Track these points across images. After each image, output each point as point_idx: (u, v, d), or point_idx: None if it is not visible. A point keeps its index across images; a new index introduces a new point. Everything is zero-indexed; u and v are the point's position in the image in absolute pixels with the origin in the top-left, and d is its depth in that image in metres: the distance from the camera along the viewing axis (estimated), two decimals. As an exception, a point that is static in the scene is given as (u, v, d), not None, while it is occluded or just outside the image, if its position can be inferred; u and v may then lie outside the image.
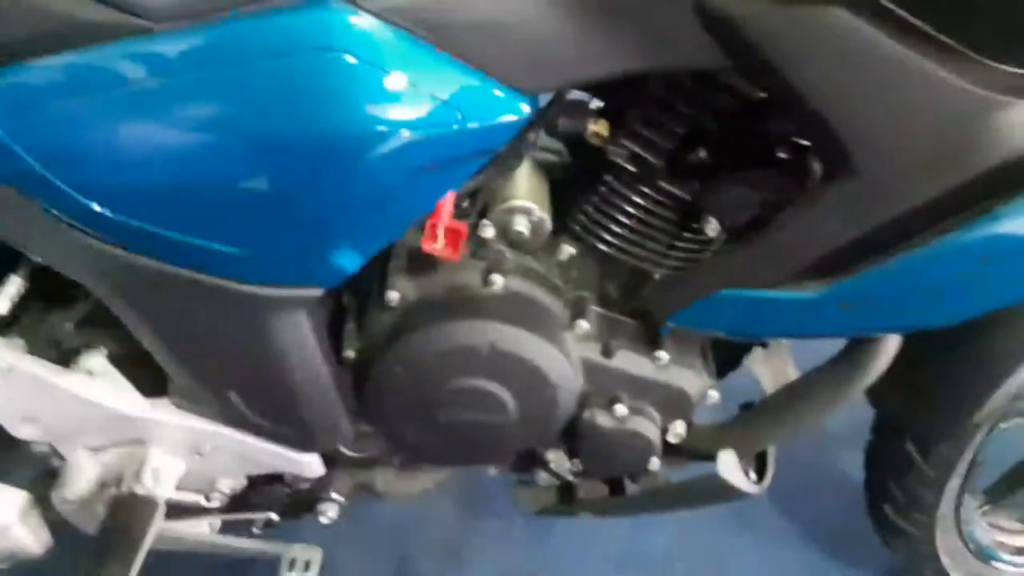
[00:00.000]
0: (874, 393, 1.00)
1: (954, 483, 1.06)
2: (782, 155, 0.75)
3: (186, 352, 0.77)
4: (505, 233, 0.82)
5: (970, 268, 0.68)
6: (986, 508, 1.19)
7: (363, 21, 0.59)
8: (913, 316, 0.74)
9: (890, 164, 0.63)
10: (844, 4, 0.57)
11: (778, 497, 1.40)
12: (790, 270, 0.71)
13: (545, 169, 0.89)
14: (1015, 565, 1.20)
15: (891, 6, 0.57)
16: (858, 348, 0.85)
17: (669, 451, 0.93)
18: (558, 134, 0.81)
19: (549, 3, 0.59)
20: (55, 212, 0.64)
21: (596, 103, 0.82)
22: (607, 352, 0.84)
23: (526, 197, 0.82)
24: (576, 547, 1.31)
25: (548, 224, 0.83)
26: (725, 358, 0.97)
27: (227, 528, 0.97)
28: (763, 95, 0.71)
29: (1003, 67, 0.59)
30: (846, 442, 1.27)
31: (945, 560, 1.14)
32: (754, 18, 0.58)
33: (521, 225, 0.82)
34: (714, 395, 0.89)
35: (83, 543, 0.86)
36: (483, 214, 0.82)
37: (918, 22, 0.58)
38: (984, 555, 1.17)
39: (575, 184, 0.85)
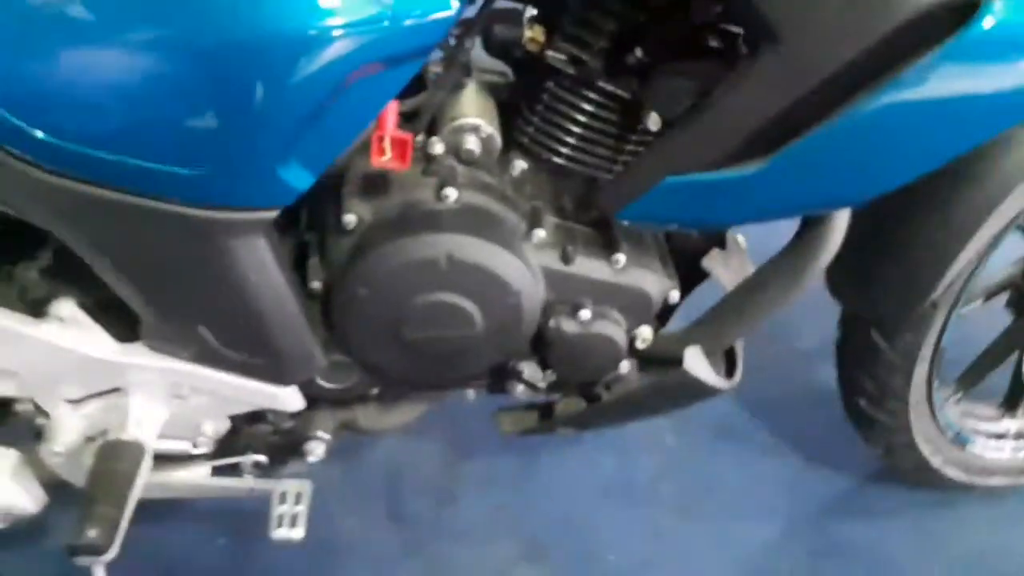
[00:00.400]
0: (834, 284, 1.04)
1: (922, 369, 1.09)
2: (714, 43, 0.77)
3: (149, 286, 0.79)
4: (456, 152, 0.84)
5: (889, 131, 0.70)
6: (959, 396, 1.22)
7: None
8: (849, 185, 0.77)
9: (806, 29, 0.65)
10: None
11: (757, 413, 1.44)
12: (726, 149, 0.73)
13: (492, 90, 0.91)
14: (992, 448, 1.23)
15: None
16: (808, 232, 0.87)
17: (641, 358, 0.96)
18: (498, 44, 0.83)
19: None
20: (3, 146, 0.66)
21: (531, 12, 0.84)
22: (566, 259, 0.86)
23: (474, 114, 0.84)
24: (564, 480, 1.33)
25: (498, 140, 0.85)
26: (686, 267, 0.99)
27: (218, 474, 0.99)
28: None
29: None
30: (822, 356, 1.29)
31: (923, 447, 1.17)
32: None
33: (471, 143, 0.83)
34: (675, 295, 0.91)
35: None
36: (433, 133, 0.84)
37: None
38: (961, 440, 1.20)
39: (524, 98, 0.87)
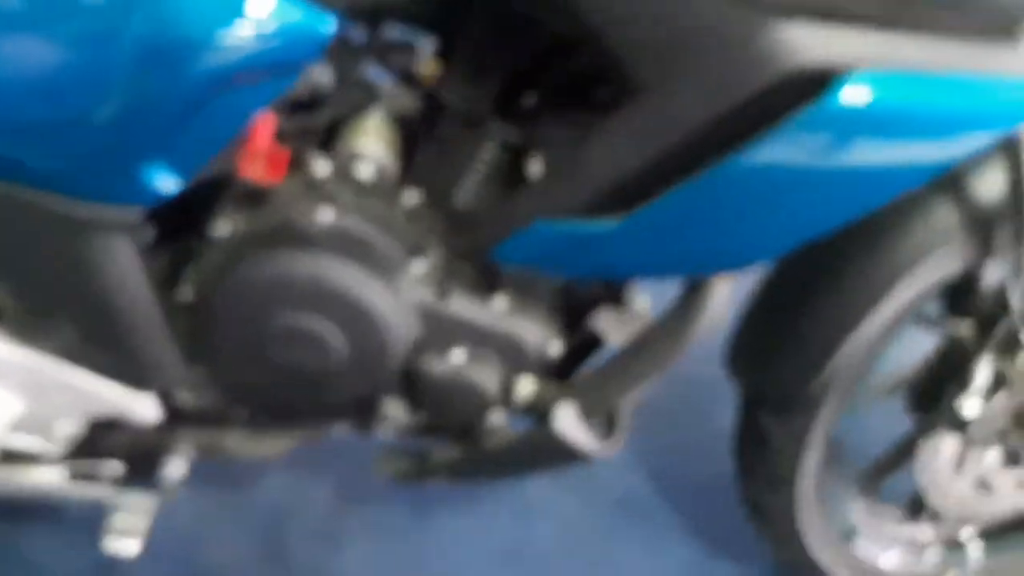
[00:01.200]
0: (729, 360, 1.03)
1: (811, 457, 1.06)
2: (599, 93, 0.78)
3: (10, 275, 0.78)
4: (347, 176, 0.84)
5: (746, 194, 0.70)
6: (859, 495, 1.19)
7: (159, -72, 0.62)
8: (708, 251, 0.77)
9: (666, 85, 0.66)
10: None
11: (667, 491, 1.40)
12: (593, 197, 0.73)
13: (401, 119, 0.91)
14: (884, 553, 1.20)
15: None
16: (687, 297, 0.86)
17: (523, 410, 0.94)
18: (393, 71, 0.84)
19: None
20: None
21: (431, 45, 0.85)
22: (442, 295, 0.85)
23: (372, 143, 0.85)
24: (457, 538, 1.29)
25: (392, 170, 0.85)
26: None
27: (75, 479, 0.96)
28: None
29: (762, -13, 0.62)
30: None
31: (810, 542, 1.14)
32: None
33: (363, 172, 0.84)
34: (555, 347, 0.90)
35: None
36: (326, 152, 0.84)
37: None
38: (850, 539, 1.17)
39: (421, 131, 0.87)
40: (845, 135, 0.67)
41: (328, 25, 0.67)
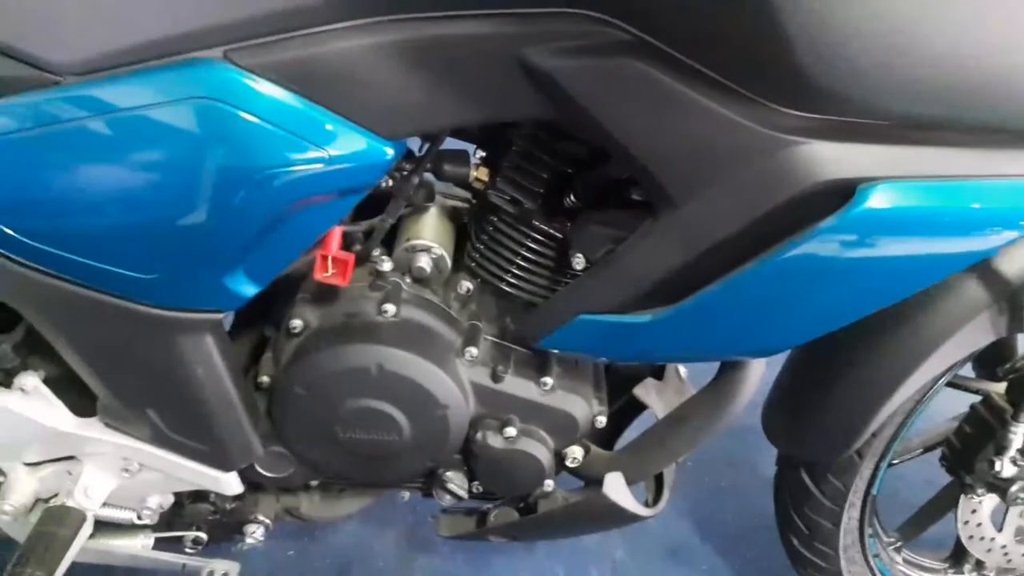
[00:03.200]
0: (767, 425, 1.07)
1: (852, 514, 1.10)
2: (635, 195, 0.84)
3: (106, 371, 0.86)
4: (409, 269, 0.92)
5: (779, 292, 0.75)
6: (900, 544, 1.22)
7: (241, 77, 0.69)
8: (745, 339, 0.82)
9: (699, 198, 0.71)
10: (644, 58, 0.67)
11: (710, 537, 1.45)
12: (632, 295, 0.79)
13: (453, 214, 0.99)
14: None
15: (684, 58, 0.67)
16: (723, 376, 0.92)
17: (576, 476, 1.00)
18: (448, 180, 0.91)
19: (397, 62, 0.69)
20: (-20, 240, 0.75)
21: (480, 153, 0.92)
22: (496, 377, 0.92)
23: (429, 237, 0.92)
24: (513, 586, 1.36)
25: (448, 261, 0.92)
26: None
27: (160, 546, 1.05)
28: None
29: (783, 109, 0.67)
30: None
31: (854, 592, 1.18)
32: (568, 71, 0.68)
33: (423, 262, 0.91)
34: (601, 420, 0.96)
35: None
36: (389, 251, 0.92)
37: (708, 71, 0.66)
38: (895, 590, 1.21)
39: (474, 226, 0.94)
40: (871, 238, 0.71)
41: (387, 154, 0.73)
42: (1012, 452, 0.99)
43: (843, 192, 0.70)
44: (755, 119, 0.68)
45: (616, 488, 0.96)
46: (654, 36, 0.67)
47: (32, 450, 0.93)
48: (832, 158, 0.69)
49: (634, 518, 0.99)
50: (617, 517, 0.99)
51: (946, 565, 1.25)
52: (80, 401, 0.91)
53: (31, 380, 0.88)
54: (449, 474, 0.97)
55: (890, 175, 0.69)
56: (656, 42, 0.67)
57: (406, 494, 1.06)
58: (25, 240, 0.75)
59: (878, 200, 0.69)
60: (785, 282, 0.75)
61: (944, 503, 1.18)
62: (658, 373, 1.06)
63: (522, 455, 0.93)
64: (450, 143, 0.88)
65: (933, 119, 0.69)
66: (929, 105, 0.67)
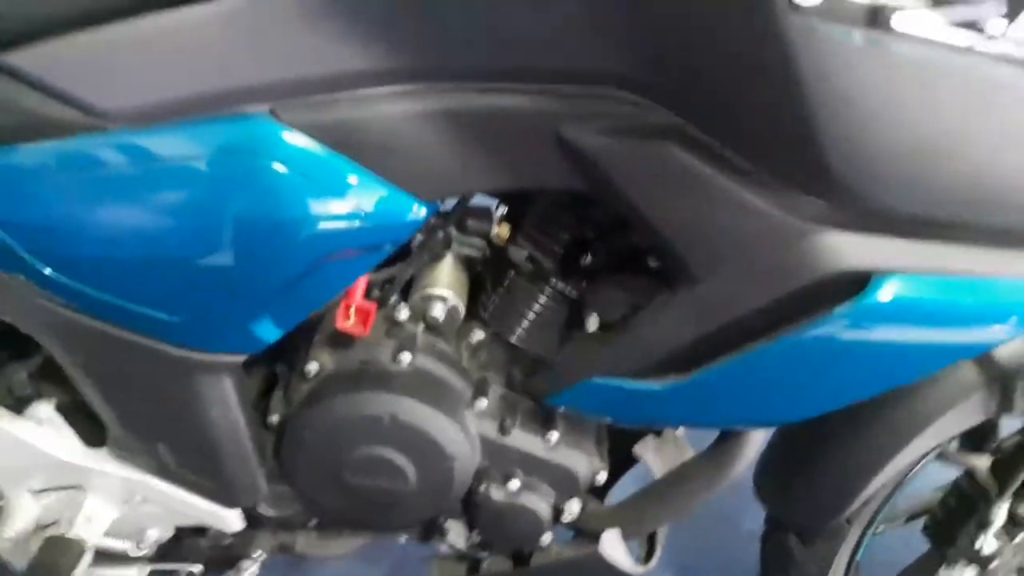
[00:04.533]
0: (758, 487, 1.10)
1: (835, 578, 1.13)
2: (652, 263, 0.87)
3: (121, 405, 0.87)
4: (423, 317, 0.93)
5: (790, 372, 0.78)
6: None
7: (286, 134, 0.71)
8: (753, 412, 0.85)
9: (719, 277, 0.74)
10: (676, 141, 0.70)
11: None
12: (644, 363, 0.82)
13: (467, 263, 1.01)
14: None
15: (714, 143, 0.70)
16: (725, 440, 0.95)
17: (568, 528, 1.02)
18: (470, 234, 0.93)
19: (439, 129, 0.71)
20: (14, 273, 0.76)
21: (502, 208, 0.95)
22: (503, 430, 0.93)
23: (444, 286, 0.94)
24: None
25: (461, 311, 0.94)
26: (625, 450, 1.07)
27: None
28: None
29: (808, 198, 0.70)
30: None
31: (835, 654, 1.20)
32: (603, 150, 0.71)
33: (437, 310, 0.93)
34: (602, 476, 0.98)
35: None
36: (404, 298, 0.94)
37: (736, 157, 0.70)
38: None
39: (490, 277, 0.97)
40: (882, 326, 0.74)
41: (421, 214, 0.76)
42: (994, 528, 1.03)
43: (858, 280, 0.73)
44: (780, 206, 0.71)
45: (613, 546, 0.98)
46: (688, 119, 0.70)
47: (39, 477, 0.94)
48: (850, 248, 0.72)
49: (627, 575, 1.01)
50: (610, 574, 1.01)
51: (923, 631, 1.27)
52: (90, 431, 0.92)
53: (46, 410, 0.89)
54: (449, 523, 0.99)
55: (904, 267, 0.72)
56: (690, 126, 0.70)
57: (403, 537, 1.07)
58: (59, 276, 0.76)
59: (891, 291, 0.72)
60: (796, 362, 0.77)
61: (925, 569, 1.20)
62: (657, 431, 1.08)
63: (523, 509, 0.95)
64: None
65: (948, 219, 0.73)
66: (946, 207, 0.71)
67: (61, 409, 0.91)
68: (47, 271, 0.75)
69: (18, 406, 0.90)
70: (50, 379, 0.90)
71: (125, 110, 0.70)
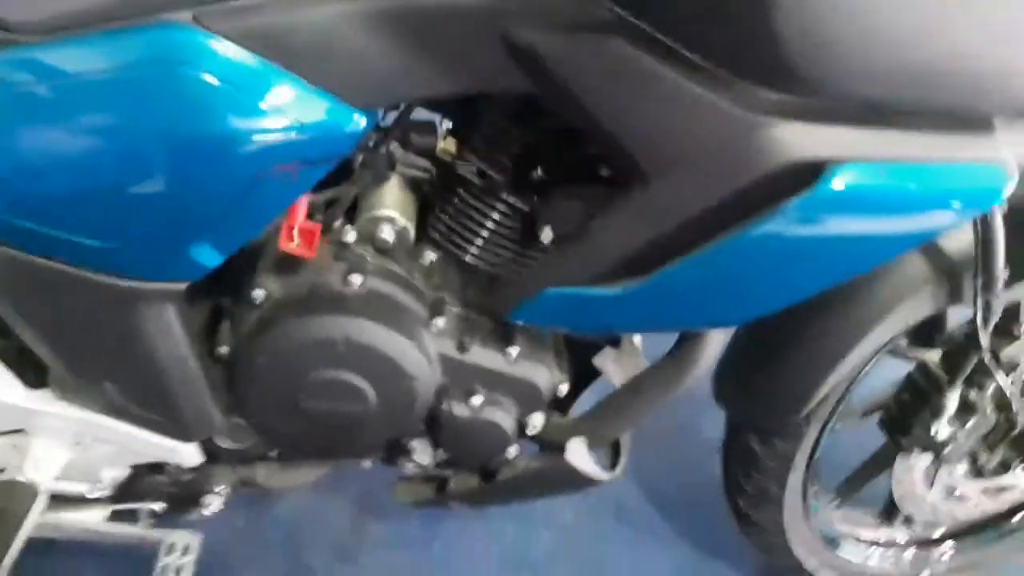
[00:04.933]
0: (718, 390, 1.11)
1: (796, 476, 1.16)
2: (604, 171, 0.85)
3: (60, 343, 0.84)
4: (371, 239, 0.90)
5: (746, 267, 0.77)
6: (837, 503, 1.29)
7: (209, 41, 0.66)
8: (711, 312, 0.84)
9: (672, 175, 0.73)
10: (624, 37, 0.67)
11: (656, 500, 1.50)
12: (601, 269, 0.80)
13: (414, 184, 0.98)
14: (863, 555, 1.30)
15: (663, 38, 0.67)
16: (684, 344, 0.94)
17: (535, 442, 1.02)
18: (415, 150, 0.90)
19: (374, 31, 0.68)
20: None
21: (447, 123, 0.91)
22: (462, 347, 0.92)
23: (392, 207, 0.91)
24: (464, 548, 1.38)
25: (411, 232, 0.92)
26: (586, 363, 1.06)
27: (116, 518, 1.03)
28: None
29: (757, 89, 0.68)
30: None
31: (797, 549, 1.24)
32: (550, 47, 0.68)
33: (386, 232, 0.90)
34: (563, 388, 0.97)
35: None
36: (351, 221, 0.91)
37: (686, 51, 0.67)
38: (834, 544, 1.27)
39: (438, 197, 0.94)
40: (835, 216, 0.74)
41: (359, 124, 0.72)
42: (947, 416, 1.05)
43: (811, 171, 0.72)
44: (729, 99, 0.69)
45: (578, 454, 0.99)
46: (639, 17, 0.67)
47: (-21, 424, 0.90)
48: (801, 138, 0.71)
49: (594, 482, 1.01)
50: (578, 482, 1.01)
51: (878, 521, 1.32)
52: (29, 372, 0.88)
53: (-21, 352, 0.85)
54: (414, 443, 0.98)
55: (856, 156, 0.72)
56: (637, 21, 0.67)
57: (367, 463, 1.06)
58: (-21, 209, 0.72)
59: (844, 179, 0.71)
60: (752, 257, 0.77)
61: (879, 464, 1.24)
62: (615, 342, 1.08)
63: (487, 424, 0.94)
64: (416, 113, 0.87)
65: (897, 103, 0.72)
66: (895, 89, 0.70)
67: (-3, 352, 0.87)
68: (-35, 202, 0.71)
69: (-52, 352, 0.86)
70: (-18, 320, 0.86)
71: (35, 21, 0.65)
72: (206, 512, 1.03)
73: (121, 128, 0.69)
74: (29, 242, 0.75)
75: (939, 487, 1.18)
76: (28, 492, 0.88)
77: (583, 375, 1.10)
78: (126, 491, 1.00)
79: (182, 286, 0.80)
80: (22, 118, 0.68)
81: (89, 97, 0.68)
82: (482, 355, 0.93)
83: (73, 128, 0.69)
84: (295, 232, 0.81)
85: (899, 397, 1.11)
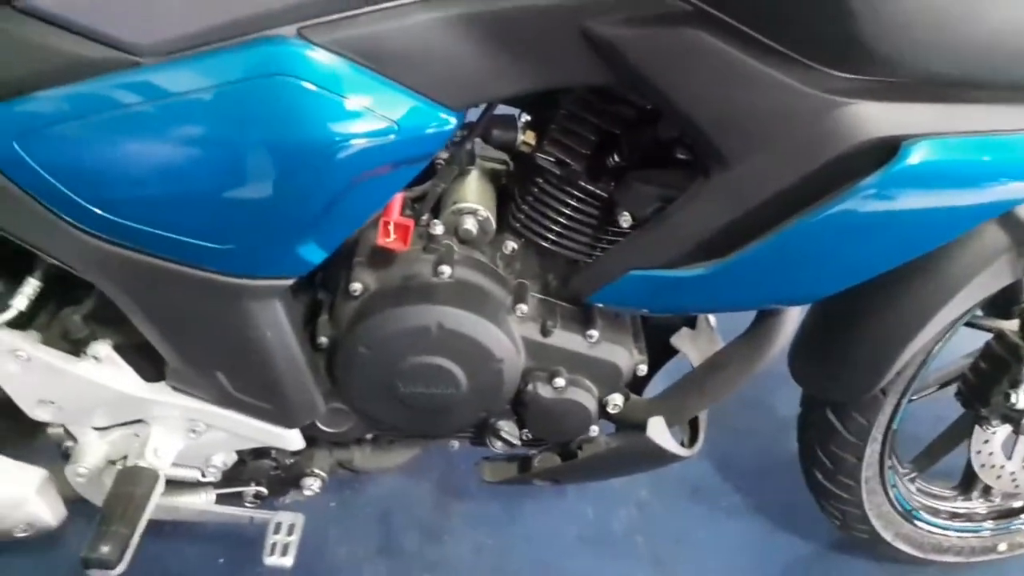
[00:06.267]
0: (794, 368, 1.13)
1: (873, 448, 1.17)
2: (680, 155, 0.88)
3: (177, 337, 0.90)
4: (456, 231, 0.95)
5: (826, 244, 0.80)
6: (914, 475, 1.30)
7: (314, 53, 0.71)
8: (790, 288, 0.87)
9: (751, 158, 0.76)
10: (702, 27, 0.70)
11: (730, 476, 1.53)
12: (683, 251, 0.84)
13: (492, 176, 1.02)
14: (941, 527, 1.31)
15: (741, 26, 0.70)
16: (762, 322, 0.97)
17: (614, 421, 1.06)
18: (496, 144, 0.94)
19: (463, 35, 0.72)
20: (65, 217, 0.78)
21: (525, 117, 0.95)
22: (545, 331, 0.96)
23: (474, 200, 0.96)
24: (545, 526, 1.43)
25: (493, 222, 0.96)
26: (661, 343, 1.10)
27: (221, 501, 1.10)
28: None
29: (833, 72, 0.71)
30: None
31: (875, 521, 1.26)
32: (630, 40, 0.71)
33: (469, 224, 0.95)
34: (643, 368, 1.01)
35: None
36: (436, 214, 0.96)
37: (763, 38, 0.70)
38: (911, 516, 1.28)
39: (518, 187, 0.98)
40: (912, 192, 0.76)
41: (451, 123, 0.77)
42: (1026, 385, 1.06)
43: (887, 149, 0.74)
44: (806, 82, 0.72)
45: (659, 431, 1.02)
46: (711, 5, 0.70)
47: (102, 415, 0.98)
48: (877, 117, 0.73)
49: (674, 459, 1.05)
50: (658, 458, 1.05)
51: (956, 492, 1.33)
52: (148, 366, 0.95)
53: (103, 349, 0.92)
54: (501, 423, 1.03)
55: (931, 132, 0.74)
56: (714, 11, 0.70)
57: (456, 443, 1.11)
58: (105, 215, 0.78)
59: (920, 154, 0.74)
60: (830, 235, 0.79)
61: (955, 436, 1.25)
62: (691, 322, 1.11)
63: (570, 403, 0.99)
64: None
65: (968, 78, 0.74)
66: (965, 64, 0.72)
67: (118, 348, 0.94)
68: (96, 211, 0.77)
69: (76, 348, 0.93)
70: (104, 320, 0.93)
71: (156, 43, 0.70)
72: (307, 493, 1.09)
73: (233, 138, 0.74)
74: (149, 244, 0.81)
75: (1018, 457, 1.18)
76: (150, 476, 0.95)
77: (658, 355, 1.14)
78: (233, 476, 1.07)
79: (289, 281, 0.86)
80: (142, 133, 0.74)
81: (202, 111, 0.73)
82: (564, 338, 0.97)
83: (188, 140, 0.75)
84: (391, 227, 0.87)
85: (976, 367, 1.12)
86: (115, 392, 0.94)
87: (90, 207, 0.77)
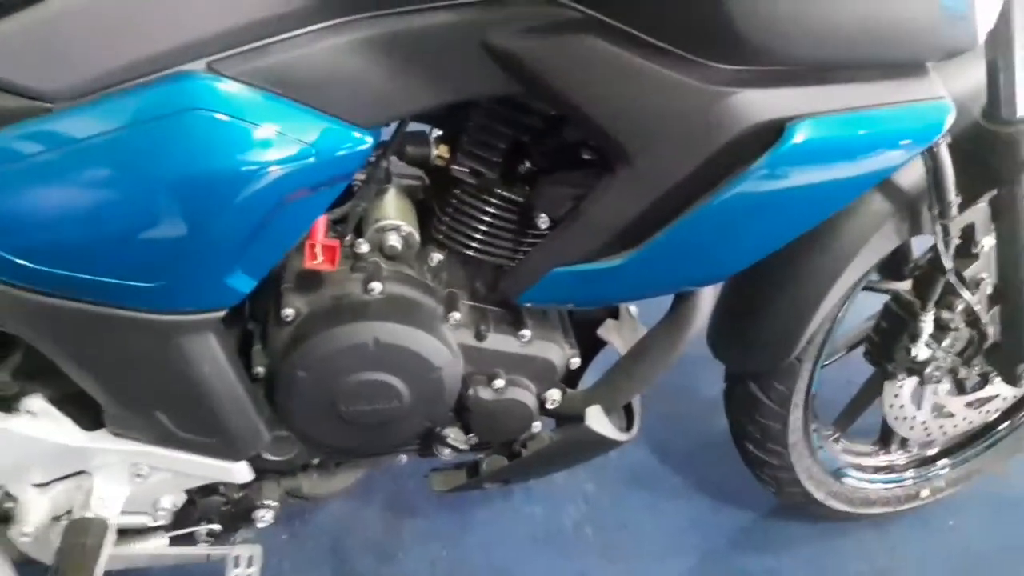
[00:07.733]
0: (713, 346, 1.20)
1: (796, 414, 1.25)
2: (587, 155, 0.93)
3: (113, 382, 0.90)
4: (381, 248, 0.98)
5: (727, 225, 0.86)
6: (836, 436, 1.38)
7: (225, 85, 0.73)
8: (702, 269, 0.93)
9: (651, 151, 0.81)
10: (595, 33, 0.75)
11: (666, 459, 1.59)
12: (599, 245, 0.89)
13: (410, 191, 1.05)
14: (867, 481, 1.40)
15: (629, 29, 0.76)
16: (679, 306, 1.03)
17: (553, 417, 1.10)
18: (411, 160, 0.98)
19: (370, 57, 0.75)
20: (-13, 275, 0.77)
21: (437, 132, 0.99)
22: (479, 336, 1.00)
23: (395, 216, 0.99)
24: (497, 532, 1.46)
25: (416, 236, 0.99)
26: (588, 336, 1.15)
27: (176, 542, 1.09)
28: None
29: (717, 65, 0.77)
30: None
31: (806, 483, 1.33)
32: (529, 50, 0.76)
33: (393, 240, 0.98)
34: (576, 361, 1.05)
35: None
36: (360, 234, 0.98)
37: (651, 39, 0.76)
38: (839, 475, 1.37)
39: (436, 200, 1.02)
40: (799, 168, 0.83)
41: (367, 142, 0.80)
42: (924, 338, 1.15)
43: (773, 131, 0.81)
44: (693, 76, 0.78)
45: (598, 420, 1.07)
46: (601, 12, 0.75)
47: (41, 470, 0.96)
48: (761, 103, 0.80)
49: (615, 444, 1.10)
50: (600, 445, 1.09)
51: (876, 448, 1.42)
52: (85, 415, 0.94)
53: (37, 403, 0.91)
54: (447, 431, 1.05)
55: (810, 112, 0.81)
56: (603, 17, 0.75)
57: (404, 457, 1.13)
58: (27, 264, 0.78)
59: (803, 134, 0.80)
60: (731, 216, 0.85)
61: (869, 394, 1.34)
62: (614, 313, 1.16)
63: (511, 403, 1.02)
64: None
65: (837, 60, 0.81)
66: (836, 48, 0.79)
67: (52, 400, 0.93)
68: (17, 261, 0.77)
69: (7, 405, 0.92)
70: (35, 373, 0.92)
71: (67, 88, 0.71)
72: (261, 525, 1.09)
73: (152, 175, 0.75)
74: (75, 289, 0.81)
75: (927, 407, 1.28)
76: (99, 526, 0.94)
77: (589, 348, 1.18)
78: (184, 516, 1.06)
79: (221, 313, 0.87)
80: (61, 178, 0.74)
81: (119, 151, 0.74)
82: (499, 340, 1.01)
83: (107, 182, 0.75)
84: (317, 249, 0.89)
85: (879, 327, 1.20)
86: (54, 445, 0.93)
87: (10, 257, 0.77)
